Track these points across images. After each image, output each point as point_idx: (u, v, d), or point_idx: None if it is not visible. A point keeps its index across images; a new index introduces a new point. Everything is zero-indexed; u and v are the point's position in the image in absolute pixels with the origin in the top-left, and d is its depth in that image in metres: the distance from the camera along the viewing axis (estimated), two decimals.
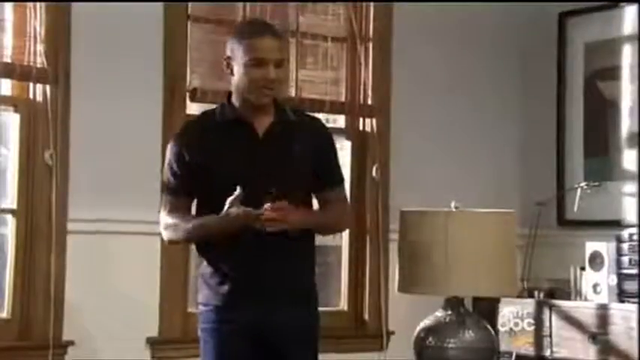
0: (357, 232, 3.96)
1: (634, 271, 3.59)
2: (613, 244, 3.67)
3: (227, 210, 2.33)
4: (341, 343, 3.76)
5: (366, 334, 3.94)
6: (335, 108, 3.94)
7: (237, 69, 2.41)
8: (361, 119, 4.01)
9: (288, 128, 2.45)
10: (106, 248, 3.37)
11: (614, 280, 3.64)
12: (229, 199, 2.32)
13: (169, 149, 2.52)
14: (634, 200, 3.93)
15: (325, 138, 2.54)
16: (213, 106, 2.60)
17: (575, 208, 4.00)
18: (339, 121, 4.02)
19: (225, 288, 2.41)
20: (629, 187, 3.97)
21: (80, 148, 3.34)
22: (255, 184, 2.36)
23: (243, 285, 2.41)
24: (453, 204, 3.15)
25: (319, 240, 2.65)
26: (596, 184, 3.97)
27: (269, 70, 2.37)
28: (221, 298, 2.42)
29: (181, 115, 3.57)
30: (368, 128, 4.00)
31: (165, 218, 2.52)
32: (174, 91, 3.55)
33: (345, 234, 3.91)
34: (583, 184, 3.99)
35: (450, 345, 3.13)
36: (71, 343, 3.28)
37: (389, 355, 3.91)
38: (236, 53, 2.40)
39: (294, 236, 2.40)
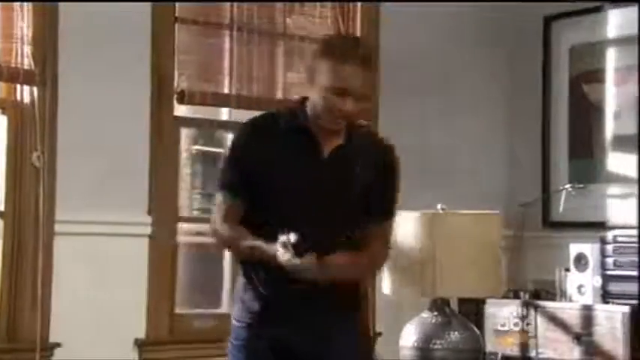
0: None
1: (618, 272, 3.62)
2: (597, 246, 3.71)
3: (276, 251, 2.12)
4: None
5: None
6: None
7: (316, 87, 2.21)
8: None
9: (355, 152, 2.27)
10: (93, 250, 3.37)
11: (598, 281, 3.67)
12: (282, 240, 2.11)
13: (235, 143, 2.30)
14: (618, 202, 3.96)
15: (389, 168, 2.34)
16: (247, 113, 2.48)
17: (560, 210, 4.04)
18: None
19: (257, 305, 2.27)
20: (613, 189, 4.01)
21: (68, 149, 3.34)
22: (312, 205, 2.21)
23: (275, 302, 2.26)
24: (439, 206, 3.18)
25: None
26: (581, 186, 4.01)
27: (348, 101, 2.18)
28: (253, 316, 2.28)
29: (169, 118, 3.57)
30: None
31: (218, 224, 2.30)
32: (161, 93, 3.55)
33: None
34: (568, 186, 4.02)
35: (437, 346, 3.16)
36: (58, 345, 3.28)
37: (376, 356, 3.92)
38: (318, 71, 2.20)
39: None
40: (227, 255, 3.87)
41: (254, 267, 2.28)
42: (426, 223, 3.01)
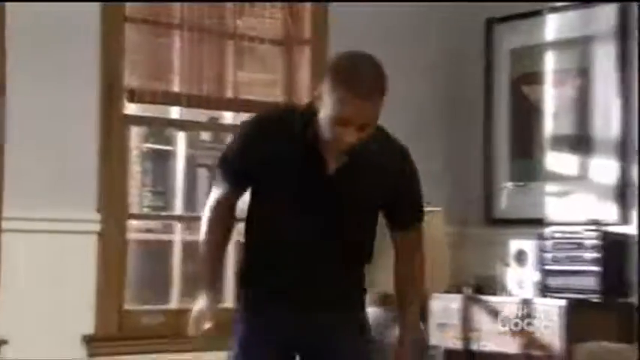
0: None
1: (556, 267, 3.76)
2: (536, 242, 3.83)
3: (209, 305, 2.18)
4: None
5: None
6: None
7: (323, 109, 2.10)
8: None
9: (364, 165, 2.18)
10: (40, 247, 3.37)
11: (537, 276, 3.80)
12: (209, 317, 2.16)
13: (246, 136, 2.22)
14: (555, 200, 4.10)
15: (407, 174, 2.29)
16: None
17: (502, 207, 4.15)
18: None
19: (251, 292, 2.25)
20: (551, 187, 4.14)
21: (15, 147, 3.34)
22: (314, 219, 2.17)
23: (271, 292, 2.23)
24: None
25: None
26: (521, 184, 4.13)
27: (351, 131, 2.08)
28: (248, 303, 2.26)
29: (119, 116, 3.59)
30: None
31: (207, 207, 2.27)
32: (111, 92, 3.56)
33: None
34: (509, 184, 4.14)
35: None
36: (4, 342, 3.27)
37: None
38: (325, 96, 2.09)
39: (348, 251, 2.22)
40: (176, 251, 3.90)
41: (257, 258, 2.25)
42: None
